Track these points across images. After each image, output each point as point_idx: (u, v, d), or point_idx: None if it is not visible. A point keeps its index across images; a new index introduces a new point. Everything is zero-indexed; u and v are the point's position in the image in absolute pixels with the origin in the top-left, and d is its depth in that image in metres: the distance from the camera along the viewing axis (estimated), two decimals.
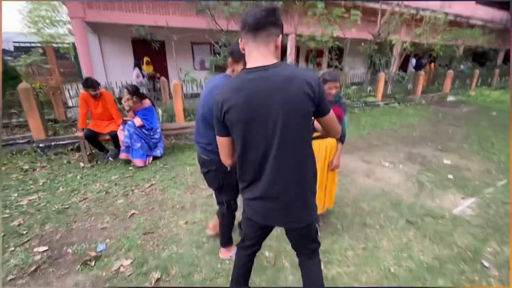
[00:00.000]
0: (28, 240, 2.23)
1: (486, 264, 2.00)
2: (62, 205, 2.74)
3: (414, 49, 9.41)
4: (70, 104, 6.15)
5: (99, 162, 3.82)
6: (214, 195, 1.92)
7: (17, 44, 12.00)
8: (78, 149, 4.10)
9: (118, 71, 7.64)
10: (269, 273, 1.90)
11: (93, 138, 3.74)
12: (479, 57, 14.88)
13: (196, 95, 6.39)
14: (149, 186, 3.16)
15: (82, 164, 3.73)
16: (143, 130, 3.78)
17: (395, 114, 7.36)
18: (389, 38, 8.58)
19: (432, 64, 13.42)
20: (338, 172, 2.31)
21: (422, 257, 2.06)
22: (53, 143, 4.13)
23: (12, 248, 2.13)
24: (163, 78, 6.69)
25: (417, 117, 7.14)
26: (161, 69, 8.50)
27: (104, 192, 3.00)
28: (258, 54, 1.02)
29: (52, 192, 3.00)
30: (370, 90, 8.64)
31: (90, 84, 3.46)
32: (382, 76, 8.17)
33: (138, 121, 3.71)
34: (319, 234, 1.33)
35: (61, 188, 3.09)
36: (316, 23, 6.48)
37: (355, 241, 2.23)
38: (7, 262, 1.98)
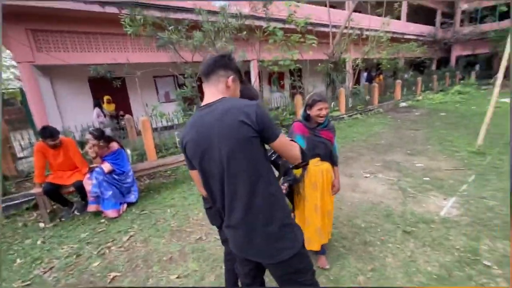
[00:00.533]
0: None
1: (488, 263, 2.05)
2: (22, 282, 2.27)
3: (364, 64, 10.36)
4: (20, 155, 5.46)
5: (63, 219, 3.34)
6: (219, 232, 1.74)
7: None
8: (35, 207, 3.55)
9: (75, 113, 7.08)
10: None
11: (54, 192, 3.28)
12: (418, 66, 16.88)
13: (166, 128, 6.12)
14: (128, 239, 2.80)
15: (42, 225, 3.22)
16: (114, 175, 3.44)
17: (360, 125, 7.82)
18: (342, 57, 9.35)
19: (381, 76, 14.85)
20: None
21: (429, 268, 2.05)
22: (3, 205, 3.53)
23: None
24: (127, 116, 6.34)
25: (380, 125, 7.66)
26: (124, 106, 8.11)
27: (75, 256, 2.58)
28: (209, 94, 1.14)
29: (8, 267, 2.49)
30: (333, 105, 9.15)
31: (49, 134, 3.07)
32: (342, 91, 8.75)
33: (107, 166, 3.38)
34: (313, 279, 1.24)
35: (18, 260, 2.58)
36: (276, 49, 6.82)
37: (361, 263, 2.16)
38: None
